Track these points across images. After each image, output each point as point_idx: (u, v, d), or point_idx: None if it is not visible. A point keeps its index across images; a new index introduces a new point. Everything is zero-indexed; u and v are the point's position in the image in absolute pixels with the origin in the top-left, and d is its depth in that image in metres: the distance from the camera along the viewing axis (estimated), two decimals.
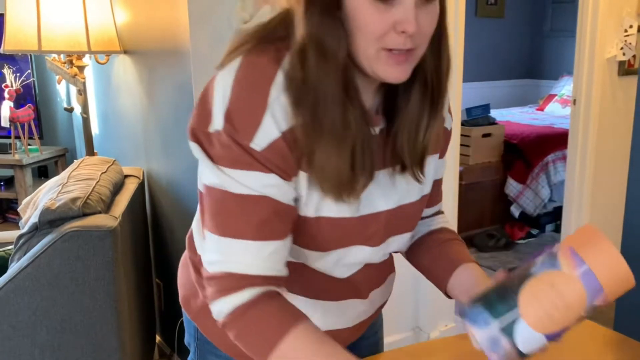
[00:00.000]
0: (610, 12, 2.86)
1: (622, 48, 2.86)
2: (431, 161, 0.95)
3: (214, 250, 0.82)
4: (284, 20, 0.83)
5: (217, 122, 0.79)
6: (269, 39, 0.83)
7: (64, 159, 3.54)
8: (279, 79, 0.79)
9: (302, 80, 0.78)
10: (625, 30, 2.85)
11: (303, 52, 0.78)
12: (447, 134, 1.01)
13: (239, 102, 0.78)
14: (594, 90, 2.97)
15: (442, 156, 1.02)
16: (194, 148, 0.83)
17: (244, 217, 0.80)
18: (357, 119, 0.80)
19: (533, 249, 4.00)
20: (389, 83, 0.82)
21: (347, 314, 1.00)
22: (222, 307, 0.82)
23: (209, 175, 0.81)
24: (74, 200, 1.79)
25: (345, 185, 0.82)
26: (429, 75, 0.84)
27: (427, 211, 1.07)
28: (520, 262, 3.73)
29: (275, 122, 0.78)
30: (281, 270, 0.84)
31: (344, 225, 0.88)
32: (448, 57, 0.86)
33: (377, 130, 0.88)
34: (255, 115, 0.77)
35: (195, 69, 1.92)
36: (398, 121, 0.87)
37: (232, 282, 0.81)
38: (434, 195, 1.05)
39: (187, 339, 1.10)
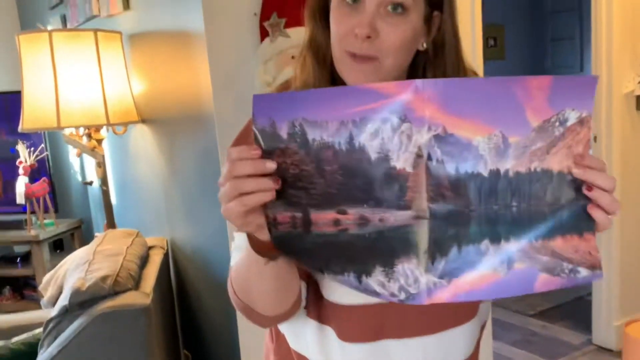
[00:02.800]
0: (624, 46, 2.85)
1: (639, 82, 2.84)
2: None
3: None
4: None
5: None
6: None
7: (79, 231, 3.48)
8: None
9: (302, 83, 0.87)
10: None
11: (304, 58, 0.89)
12: None
13: (244, 128, 0.89)
14: (614, 126, 2.93)
15: None
16: None
17: None
18: None
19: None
20: None
21: None
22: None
23: None
24: (104, 278, 1.73)
25: None
26: None
27: None
28: (546, 302, 3.62)
29: None
30: None
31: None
32: (456, 67, 0.86)
33: None
34: (248, 132, 0.83)
35: (220, 134, 1.89)
36: None
37: None
38: None
39: None
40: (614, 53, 2.83)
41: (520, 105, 0.66)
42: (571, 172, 0.68)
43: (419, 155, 0.65)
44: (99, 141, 2.39)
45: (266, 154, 0.67)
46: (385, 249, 0.68)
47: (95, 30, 2.23)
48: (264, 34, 1.88)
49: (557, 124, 0.67)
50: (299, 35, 1.91)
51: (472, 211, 0.67)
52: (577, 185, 0.69)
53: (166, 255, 2.34)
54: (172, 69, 2.19)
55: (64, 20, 3.10)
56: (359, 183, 0.67)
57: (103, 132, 2.45)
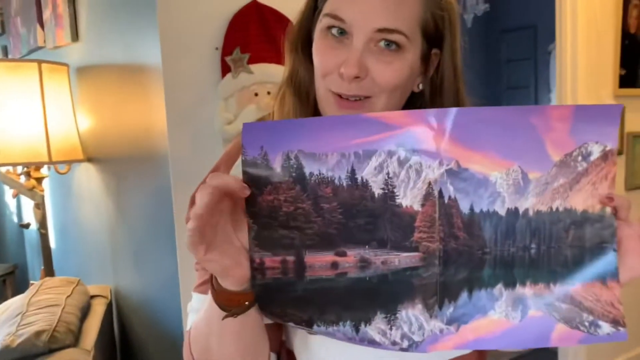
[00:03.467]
0: (589, 94, 2.87)
1: None
2: None
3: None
4: None
5: None
6: None
7: (12, 277, 3.22)
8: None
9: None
10: None
11: (283, 94, 0.80)
12: None
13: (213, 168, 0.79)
14: None
15: None
16: None
17: (201, 277, 0.79)
18: None
19: None
20: None
21: None
22: None
23: None
24: (38, 334, 1.54)
25: None
26: None
27: None
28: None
29: None
30: None
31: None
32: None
33: None
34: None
35: (175, 174, 1.74)
36: None
37: None
38: None
39: None
40: (578, 100, 2.85)
41: (540, 138, 0.61)
42: (596, 211, 0.63)
43: (429, 193, 0.61)
44: (39, 180, 2.21)
45: (256, 190, 0.61)
46: (388, 293, 0.63)
47: (40, 62, 2.07)
48: (225, 69, 1.78)
49: (580, 158, 0.62)
50: (263, 71, 1.83)
51: (486, 254, 0.62)
52: (603, 225, 0.63)
53: (109, 305, 2.14)
54: (123, 105, 2.05)
55: (5, 51, 2.92)
56: (360, 222, 0.62)
57: (44, 170, 2.27)
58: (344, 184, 0.61)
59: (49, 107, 2.09)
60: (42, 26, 2.45)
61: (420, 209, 0.61)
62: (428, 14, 0.73)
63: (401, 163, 0.61)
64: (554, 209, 0.63)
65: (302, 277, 0.63)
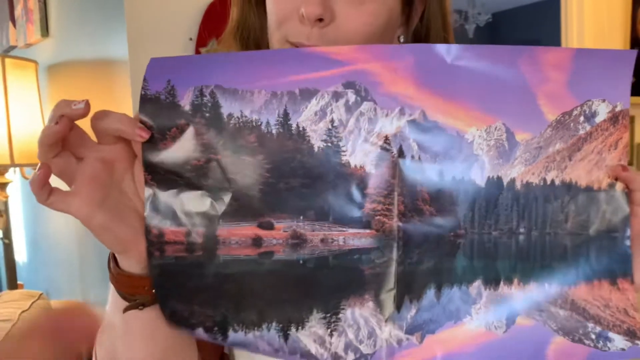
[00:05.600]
0: None
1: None
2: None
3: None
4: None
5: None
6: None
7: None
8: None
9: None
10: None
11: (227, 48, 0.66)
12: None
13: None
14: None
15: None
16: None
17: None
18: None
19: None
20: None
21: None
22: None
23: None
24: None
25: None
26: None
27: None
28: None
29: None
30: None
31: None
32: None
33: None
34: None
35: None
36: None
37: None
38: None
39: None
40: None
41: (530, 90, 0.48)
42: (603, 187, 0.48)
43: (384, 149, 0.47)
44: (3, 185, 2.05)
45: (157, 134, 0.47)
46: (328, 284, 0.48)
47: (3, 57, 1.92)
48: None
49: (582, 119, 0.49)
50: None
51: (459, 237, 0.48)
52: (613, 208, 0.49)
53: None
54: (93, 104, 1.90)
55: None
56: (294, 184, 0.47)
57: (9, 175, 2.11)
58: (274, 132, 0.47)
59: (13, 106, 1.94)
60: (14, 23, 2.31)
61: (373, 171, 0.47)
62: None
63: (349, 109, 0.47)
64: (548, 182, 0.48)
65: (213, 257, 0.48)
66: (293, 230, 0.48)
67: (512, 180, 0.48)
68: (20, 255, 2.49)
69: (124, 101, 1.64)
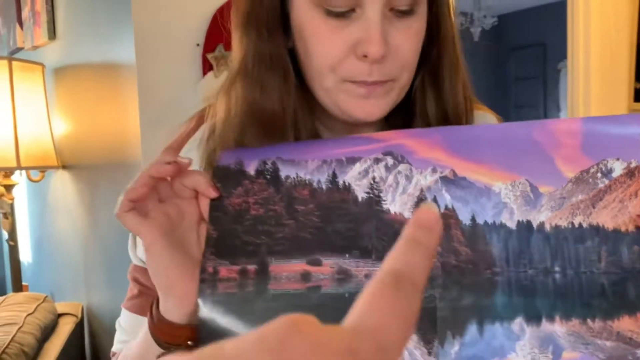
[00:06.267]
0: (602, 113, 2.73)
1: None
2: None
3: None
4: None
5: None
6: None
7: None
8: (198, 134, 0.65)
9: (256, 107, 0.60)
10: None
11: (250, 76, 0.61)
12: None
13: None
14: None
15: None
16: None
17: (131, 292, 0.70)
18: None
19: None
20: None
21: None
22: None
23: None
24: None
25: None
26: (433, 121, 0.64)
27: None
28: None
29: None
30: None
31: None
32: (459, 98, 0.64)
33: None
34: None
35: None
36: None
37: None
38: None
39: None
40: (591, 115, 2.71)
41: (548, 155, 0.52)
42: (630, 230, 0.50)
43: (421, 200, 0.52)
44: (8, 187, 2.05)
45: (225, 193, 0.54)
46: None
47: (10, 59, 1.93)
48: (206, 67, 1.63)
49: (599, 175, 0.52)
50: None
51: (496, 274, 0.50)
52: None
53: (80, 324, 1.97)
54: (98, 108, 1.90)
55: None
56: (340, 227, 0.53)
57: (16, 177, 2.11)
58: (323, 187, 0.54)
59: (19, 109, 1.94)
60: (21, 25, 2.31)
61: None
62: None
63: (388, 169, 0.54)
64: (576, 225, 0.51)
65: (263, 291, 0.52)
66: (339, 267, 0.52)
67: (542, 224, 0.51)
68: (25, 256, 2.49)
69: (130, 105, 1.64)
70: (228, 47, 1.67)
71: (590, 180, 0.52)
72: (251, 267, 0.52)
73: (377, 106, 0.59)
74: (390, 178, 0.54)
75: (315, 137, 0.64)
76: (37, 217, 2.52)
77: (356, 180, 0.54)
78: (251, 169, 0.55)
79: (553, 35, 5.45)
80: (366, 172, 0.54)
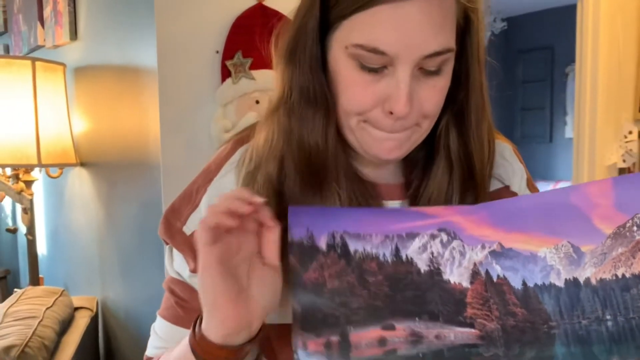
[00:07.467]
0: (608, 118, 2.76)
1: (622, 155, 2.73)
2: None
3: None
4: None
5: None
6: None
7: (4, 282, 3.12)
8: (236, 157, 0.69)
9: (296, 138, 0.64)
10: (625, 137, 2.73)
11: (296, 110, 0.65)
12: None
13: (189, 185, 0.72)
14: None
15: None
16: None
17: (167, 301, 0.72)
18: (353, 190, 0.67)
19: None
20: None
21: None
22: None
23: None
24: (8, 349, 1.43)
25: None
26: (455, 157, 0.68)
27: None
28: None
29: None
30: None
31: None
32: (483, 139, 0.68)
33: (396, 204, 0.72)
34: (194, 197, 0.69)
35: (166, 184, 1.64)
36: (420, 201, 0.70)
37: None
38: None
39: None
40: (597, 124, 2.73)
41: (585, 215, 0.59)
42: None
43: (475, 272, 0.60)
44: (28, 183, 2.11)
45: (302, 269, 0.60)
46: None
47: (34, 60, 1.98)
48: (225, 74, 1.68)
49: (635, 228, 0.59)
50: (266, 78, 1.71)
51: (553, 328, 0.57)
52: None
53: (95, 318, 2.03)
54: (119, 108, 1.95)
55: (7, 50, 2.84)
56: (408, 295, 0.59)
57: (35, 173, 2.17)
58: (389, 260, 0.60)
59: (41, 107, 2.00)
60: (42, 24, 2.37)
61: (469, 287, 0.58)
62: (460, 8, 0.63)
63: (444, 245, 0.61)
64: (620, 276, 0.58)
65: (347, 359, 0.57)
66: (411, 330, 0.58)
67: (587, 279, 0.57)
68: (40, 248, 2.55)
69: (150, 107, 1.69)
70: (247, 54, 1.72)
71: (627, 234, 0.58)
72: (334, 339, 0.57)
73: (398, 147, 0.64)
74: (447, 253, 0.60)
75: (349, 170, 0.67)
76: (53, 211, 2.58)
77: (417, 254, 0.61)
78: (322, 243, 0.60)
79: (561, 39, 5.47)
80: (425, 247, 0.61)
